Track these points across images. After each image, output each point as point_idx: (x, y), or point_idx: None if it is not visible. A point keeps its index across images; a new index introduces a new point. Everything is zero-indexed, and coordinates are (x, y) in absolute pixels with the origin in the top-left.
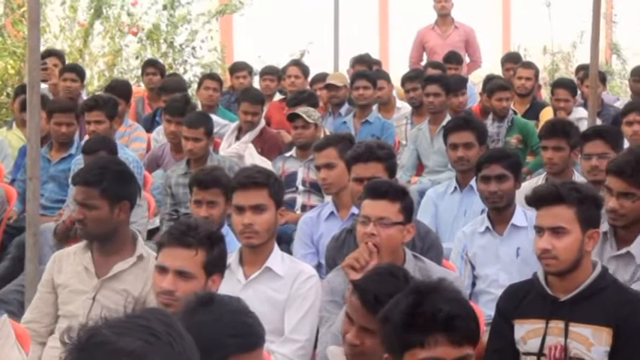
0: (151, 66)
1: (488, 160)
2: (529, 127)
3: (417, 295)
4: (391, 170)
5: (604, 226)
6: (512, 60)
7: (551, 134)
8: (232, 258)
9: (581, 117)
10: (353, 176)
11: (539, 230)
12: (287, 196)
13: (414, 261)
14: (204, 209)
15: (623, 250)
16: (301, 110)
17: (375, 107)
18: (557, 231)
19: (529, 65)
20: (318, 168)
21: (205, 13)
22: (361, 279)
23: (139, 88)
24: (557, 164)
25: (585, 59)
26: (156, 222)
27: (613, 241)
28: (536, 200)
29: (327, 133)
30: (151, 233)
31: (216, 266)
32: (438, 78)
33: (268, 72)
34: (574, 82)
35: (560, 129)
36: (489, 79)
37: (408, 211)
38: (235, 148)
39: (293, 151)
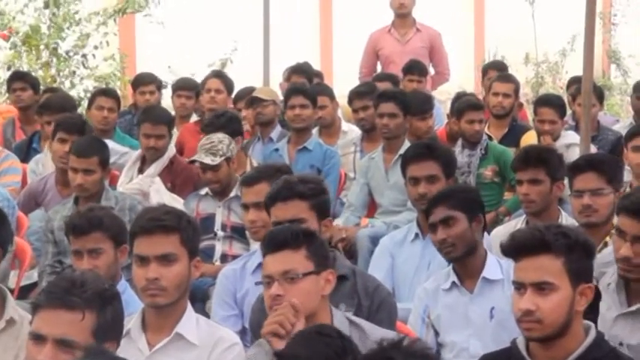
0: (17, 80)
1: (433, 203)
2: (507, 155)
3: None
4: (320, 210)
5: (605, 279)
6: (496, 68)
7: (525, 164)
8: (133, 322)
9: (571, 143)
10: (272, 220)
11: (519, 287)
12: (203, 244)
13: (348, 326)
14: (85, 261)
15: (635, 307)
16: (204, 151)
17: (315, 131)
18: (541, 287)
19: (507, 78)
20: (245, 207)
21: (100, 12)
22: (286, 348)
23: (9, 107)
24: (534, 201)
25: (577, 70)
26: (33, 276)
27: (623, 296)
28: (515, 249)
29: (255, 163)
30: (27, 290)
31: (109, 333)
32: (394, 94)
33: (183, 87)
34: (562, 100)
35: (536, 157)
36: (459, 97)
37: (320, 256)
38: (138, 183)
39: (209, 189)
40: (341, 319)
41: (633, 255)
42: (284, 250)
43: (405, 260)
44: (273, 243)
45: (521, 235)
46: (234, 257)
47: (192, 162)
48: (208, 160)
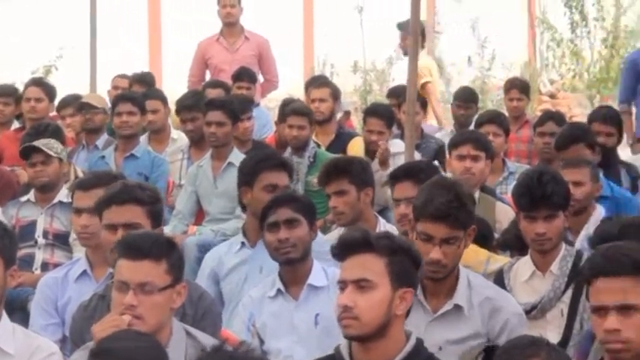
0: None
1: (275, 203)
2: None
3: None
4: (155, 217)
5: None
6: (317, 82)
7: (328, 178)
8: None
9: (397, 151)
10: (104, 223)
11: (342, 285)
12: (22, 252)
13: (185, 336)
14: None
15: (442, 311)
16: (40, 142)
17: (143, 138)
18: (361, 284)
19: (324, 84)
20: (78, 212)
21: None
22: (99, 343)
23: None
24: (343, 213)
25: (404, 78)
26: None
27: (425, 302)
28: (341, 249)
29: (79, 171)
30: None
31: None
32: (222, 103)
33: (1, 93)
34: (391, 111)
35: (341, 168)
36: (286, 104)
37: (177, 269)
38: None
39: (31, 195)
40: (179, 329)
41: (443, 257)
42: (145, 259)
43: (232, 268)
44: (134, 250)
45: (347, 236)
46: (56, 265)
47: (26, 149)
48: (46, 149)
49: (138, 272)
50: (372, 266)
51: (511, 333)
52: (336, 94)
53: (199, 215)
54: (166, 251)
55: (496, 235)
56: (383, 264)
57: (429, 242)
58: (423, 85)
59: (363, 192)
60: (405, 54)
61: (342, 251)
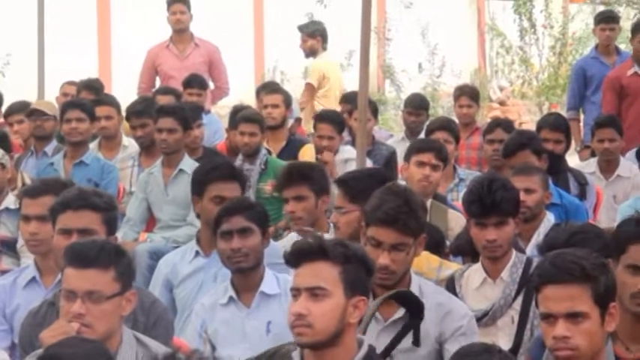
0: None
1: (229, 211)
2: None
3: None
4: (110, 224)
5: None
6: (268, 88)
7: (289, 182)
8: None
9: (348, 158)
10: (59, 227)
11: (296, 293)
12: None
13: (135, 344)
14: None
15: (393, 319)
16: None
17: (93, 145)
18: (315, 292)
19: (275, 90)
20: (26, 219)
21: None
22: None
23: None
24: (301, 218)
25: (355, 85)
26: None
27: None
28: (295, 256)
29: (27, 178)
30: None
31: None
32: (173, 110)
33: None
34: (340, 116)
35: (302, 174)
36: (237, 111)
37: (126, 276)
38: None
39: None
40: (129, 336)
41: (391, 262)
42: (92, 268)
43: (187, 277)
44: (81, 258)
45: (301, 244)
46: (4, 272)
47: None
48: None
49: (85, 281)
50: (326, 274)
51: (462, 337)
52: (288, 101)
53: (150, 222)
54: (114, 259)
55: (448, 242)
56: (337, 272)
57: (377, 248)
58: (307, 86)
59: (321, 199)
60: (307, 56)
61: (296, 258)
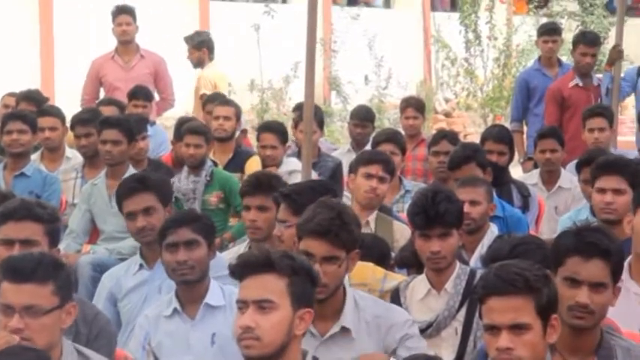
0: None
1: (175, 223)
2: (232, 182)
3: None
4: (52, 236)
5: None
6: (213, 102)
7: (255, 190)
8: None
9: (293, 170)
10: (0, 238)
11: (242, 305)
12: None
13: (77, 356)
14: None
15: (330, 334)
16: None
17: (36, 156)
18: (262, 305)
19: (227, 102)
20: None
21: None
22: None
23: None
24: (261, 228)
25: (301, 97)
26: None
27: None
28: (241, 268)
29: None
30: None
31: None
32: (117, 121)
33: None
34: (283, 126)
35: (266, 184)
36: (182, 122)
37: (65, 289)
38: None
39: None
40: (69, 348)
41: (322, 275)
42: (29, 283)
43: (131, 290)
44: (18, 273)
45: (247, 256)
46: None
47: None
48: None
49: (22, 295)
50: (273, 286)
51: (409, 344)
52: (239, 114)
53: (93, 234)
54: (52, 272)
55: (393, 254)
56: (284, 284)
57: (309, 260)
58: (201, 97)
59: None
60: (195, 67)
61: (243, 270)
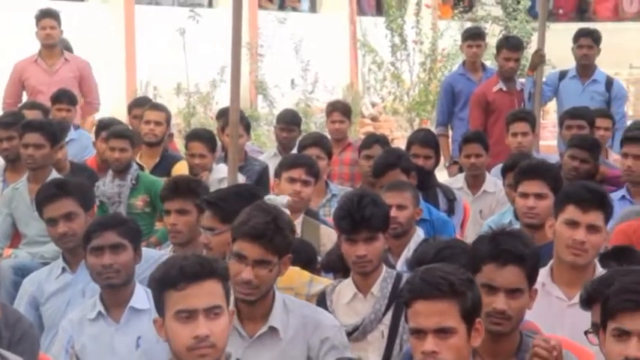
0: None
1: (101, 226)
2: (158, 186)
3: None
4: None
5: None
6: (139, 105)
7: (174, 194)
8: None
9: (224, 177)
10: None
11: (189, 315)
12: None
13: None
14: None
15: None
16: None
17: None
18: (215, 312)
19: (158, 107)
20: None
21: None
22: None
23: None
24: (181, 232)
25: (228, 101)
26: None
27: (240, 326)
28: (185, 276)
29: None
30: None
31: None
32: (40, 125)
33: None
34: (212, 134)
35: (185, 188)
36: (104, 125)
37: None
38: None
39: None
40: None
41: (254, 278)
42: None
43: (54, 294)
44: None
45: (189, 263)
46: None
47: None
48: None
49: None
50: (219, 292)
51: (333, 348)
52: (169, 119)
53: (15, 238)
54: None
55: (320, 258)
56: (221, 288)
57: (241, 262)
58: None
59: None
60: None
61: (186, 278)
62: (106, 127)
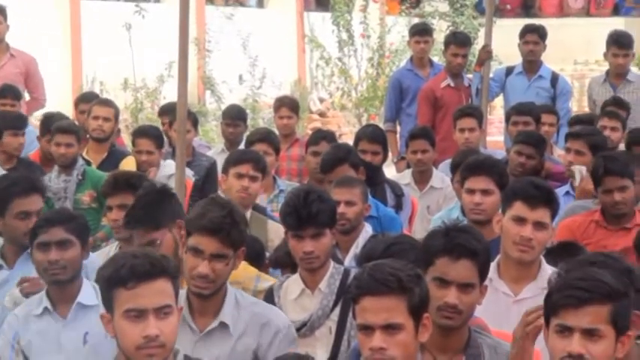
0: None
1: (48, 222)
2: None
3: None
4: None
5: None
6: (86, 100)
7: (114, 190)
8: None
9: (172, 174)
10: None
11: (139, 314)
12: None
13: None
14: None
15: (211, 326)
16: None
17: None
18: (165, 311)
19: (107, 102)
20: None
21: None
22: None
23: None
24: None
25: (174, 96)
26: None
27: (191, 321)
28: (136, 275)
29: None
30: None
31: None
32: None
33: None
34: (159, 131)
35: (125, 182)
36: (48, 118)
37: None
38: None
39: None
40: None
41: (211, 272)
42: None
43: None
44: None
45: (138, 262)
46: None
47: None
48: None
49: None
50: (169, 291)
51: (280, 345)
52: (117, 115)
53: None
54: None
55: (268, 254)
56: (171, 286)
57: (198, 256)
58: None
59: None
60: None
61: (137, 277)
62: (50, 122)
